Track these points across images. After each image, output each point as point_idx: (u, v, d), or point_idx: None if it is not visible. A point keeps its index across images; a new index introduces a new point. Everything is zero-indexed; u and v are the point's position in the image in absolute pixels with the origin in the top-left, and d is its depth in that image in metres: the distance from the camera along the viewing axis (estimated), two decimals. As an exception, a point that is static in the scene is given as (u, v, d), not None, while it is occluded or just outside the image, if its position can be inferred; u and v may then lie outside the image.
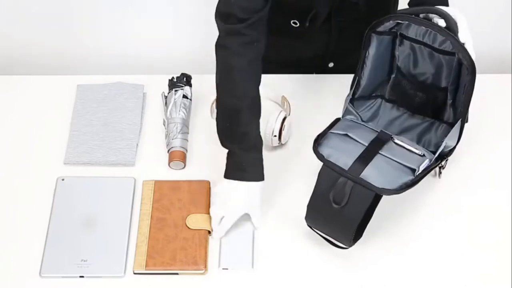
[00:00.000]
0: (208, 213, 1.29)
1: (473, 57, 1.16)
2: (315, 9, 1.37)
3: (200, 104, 1.50)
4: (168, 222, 1.28)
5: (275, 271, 1.24)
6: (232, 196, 1.26)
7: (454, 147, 1.25)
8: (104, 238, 1.27)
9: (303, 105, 1.49)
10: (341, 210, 1.15)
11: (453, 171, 1.36)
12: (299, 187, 1.34)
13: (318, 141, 1.23)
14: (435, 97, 1.28)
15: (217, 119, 1.29)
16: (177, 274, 1.22)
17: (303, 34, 1.43)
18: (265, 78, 1.55)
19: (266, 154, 1.41)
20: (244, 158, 1.26)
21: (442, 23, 1.16)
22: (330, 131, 1.25)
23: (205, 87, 1.54)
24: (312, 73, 1.59)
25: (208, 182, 1.34)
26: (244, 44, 1.23)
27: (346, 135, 1.24)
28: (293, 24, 1.42)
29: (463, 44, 1.16)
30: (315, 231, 1.24)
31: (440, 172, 1.33)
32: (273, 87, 1.51)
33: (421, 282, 1.22)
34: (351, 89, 1.31)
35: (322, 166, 1.19)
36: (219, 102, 1.28)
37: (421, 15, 1.19)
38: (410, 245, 1.27)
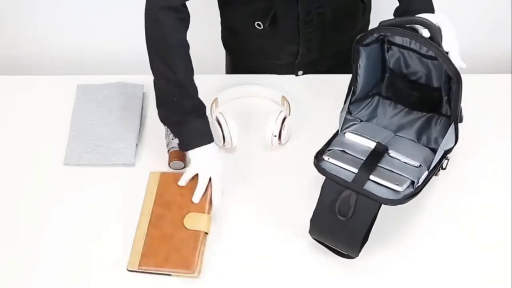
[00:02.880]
0: (209, 213, 1.29)
1: (458, 63, 1.16)
2: (274, 9, 1.38)
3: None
4: (167, 219, 1.27)
5: (276, 277, 1.23)
6: (212, 158, 1.31)
7: (451, 149, 1.26)
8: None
9: (303, 105, 1.49)
10: (347, 222, 1.15)
11: (453, 171, 1.36)
12: (300, 188, 1.34)
13: (318, 157, 1.24)
14: (431, 95, 1.28)
15: (159, 97, 1.32)
16: (170, 275, 1.22)
17: (269, 38, 1.45)
18: (265, 78, 1.56)
19: (266, 155, 1.41)
20: (203, 124, 1.31)
21: (426, 33, 1.16)
22: (328, 148, 1.26)
23: (205, 88, 1.54)
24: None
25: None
26: (180, 20, 1.29)
27: (344, 151, 1.25)
28: (257, 27, 1.43)
29: (447, 53, 1.16)
30: (319, 242, 1.24)
31: (439, 170, 1.33)
32: (273, 87, 1.51)
33: (422, 283, 1.22)
34: (346, 100, 1.31)
35: (325, 180, 1.19)
36: (160, 77, 1.30)
37: (406, 26, 1.19)
38: (411, 247, 1.26)
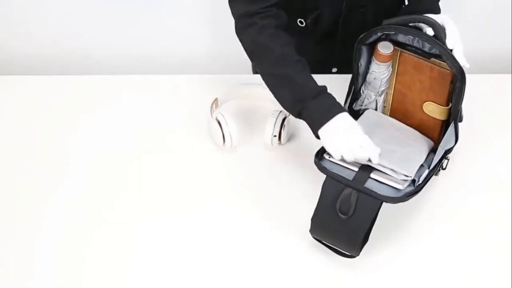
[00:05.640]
0: (447, 105, 1.26)
1: (462, 62, 1.17)
2: (319, 9, 1.37)
3: (200, 104, 1.50)
4: (408, 98, 1.29)
5: (277, 278, 1.23)
6: (347, 127, 1.19)
7: (451, 149, 1.26)
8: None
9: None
10: (348, 220, 1.15)
11: (453, 171, 1.36)
12: (300, 188, 1.34)
13: (319, 156, 1.23)
14: None
15: (277, 95, 1.27)
16: None
17: (308, 35, 1.44)
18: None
19: (266, 155, 1.41)
20: (324, 101, 1.22)
21: (430, 31, 1.17)
22: None
23: (205, 87, 1.54)
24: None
25: (450, 74, 1.24)
26: (279, 26, 1.26)
27: None
28: (299, 24, 1.43)
29: (451, 50, 1.16)
30: (320, 242, 1.24)
31: (439, 170, 1.33)
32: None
33: (422, 282, 1.22)
34: (346, 100, 1.31)
35: (326, 178, 1.19)
36: (272, 78, 1.27)
37: (410, 24, 1.20)
38: (412, 247, 1.26)
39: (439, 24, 1.17)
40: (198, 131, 1.46)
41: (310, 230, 1.22)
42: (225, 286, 1.21)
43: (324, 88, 1.23)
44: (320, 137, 1.19)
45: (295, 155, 1.41)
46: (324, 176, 1.19)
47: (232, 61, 1.96)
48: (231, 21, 1.62)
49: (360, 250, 1.19)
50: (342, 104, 1.31)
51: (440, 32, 1.16)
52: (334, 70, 1.57)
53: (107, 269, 1.23)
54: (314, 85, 1.22)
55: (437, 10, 1.31)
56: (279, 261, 1.24)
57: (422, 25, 1.19)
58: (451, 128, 1.22)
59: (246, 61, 1.71)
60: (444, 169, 1.30)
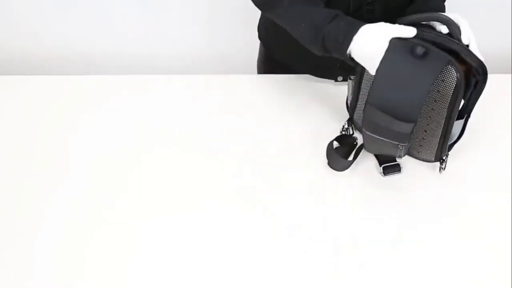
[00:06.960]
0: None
1: (479, 55, 1.16)
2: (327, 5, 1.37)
3: (200, 104, 1.50)
4: None
5: (276, 278, 1.23)
6: (375, 33, 1.17)
7: (453, 144, 1.25)
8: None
9: (306, 106, 1.49)
10: (420, 62, 1.10)
11: (453, 171, 1.36)
12: (300, 189, 1.34)
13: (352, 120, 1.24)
14: None
15: (296, 34, 1.27)
16: None
17: None
18: (269, 78, 1.56)
19: (266, 154, 1.41)
20: (345, 21, 1.21)
21: (444, 29, 1.16)
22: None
23: (205, 87, 1.54)
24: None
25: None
26: None
27: None
28: None
29: (467, 46, 1.16)
30: (370, 135, 1.20)
31: (440, 169, 1.33)
32: (274, 87, 1.50)
33: (422, 283, 1.22)
34: (347, 100, 1.30)
35: (391, 41, 1.14)
36: (286, 20, 1.27)
37: (422, 23, 1.19)
38: (411, 247, 1.26)
39: (453, 22, 1.16)
40: (198, 131, 1.46)
41: (369, 99, 1.16)
42: (225, 286, 1.21)
43: (338, 12, 1.22)
44: (354, 57, 1.18)
45: (295, 155, 1.41)
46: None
47: (232, 61, 1.96)
48: (231, 21, 1.63)
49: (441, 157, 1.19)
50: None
51: (455, 30, 1.16)
52: (340, 79, 1.55)
53: (107, 269, 1.23)
54: (327, 11, 1.22)
55: (443, 9, 1.31)
56: (279, 261, 1.24)
57: (434, 23, 1.19)
58: (461, 121, 1.21)
59: (246, 61, 1.71)
60: (444, 169, 1.31)
